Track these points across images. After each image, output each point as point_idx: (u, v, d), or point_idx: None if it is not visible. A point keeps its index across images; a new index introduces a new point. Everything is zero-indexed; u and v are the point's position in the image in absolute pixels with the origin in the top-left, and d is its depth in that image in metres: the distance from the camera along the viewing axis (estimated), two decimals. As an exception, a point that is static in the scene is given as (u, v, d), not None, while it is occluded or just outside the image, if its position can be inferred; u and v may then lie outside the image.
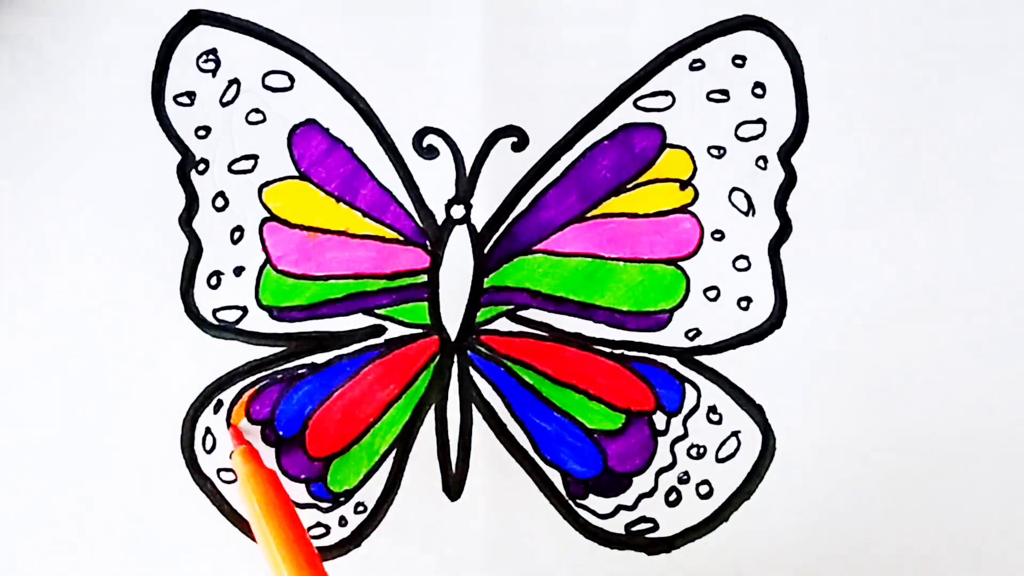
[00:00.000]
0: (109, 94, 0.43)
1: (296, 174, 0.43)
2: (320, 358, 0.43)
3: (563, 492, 0.42)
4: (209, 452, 0.42)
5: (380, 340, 0.43)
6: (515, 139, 0.43)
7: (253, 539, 0.42)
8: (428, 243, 0.43)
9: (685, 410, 0.42)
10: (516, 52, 0.43)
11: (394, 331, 0.43)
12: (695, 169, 0.43)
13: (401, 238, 0.43)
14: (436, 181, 0.43)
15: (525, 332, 0.43)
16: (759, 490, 0.42)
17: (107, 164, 0.43)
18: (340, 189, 0.43)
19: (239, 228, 0.43)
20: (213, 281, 0.43)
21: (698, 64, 0.43)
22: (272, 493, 0.38)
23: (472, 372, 0.43)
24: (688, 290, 0.42)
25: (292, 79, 0.43)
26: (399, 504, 0.42)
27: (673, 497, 0.42)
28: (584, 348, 0.42)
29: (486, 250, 0.43)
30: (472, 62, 0.43)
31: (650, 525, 0.42)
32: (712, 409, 0.42)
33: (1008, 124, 0.42)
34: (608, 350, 0.42)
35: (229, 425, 0.42)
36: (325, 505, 0.42)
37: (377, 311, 0.43)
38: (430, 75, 0.43)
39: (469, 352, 0.43)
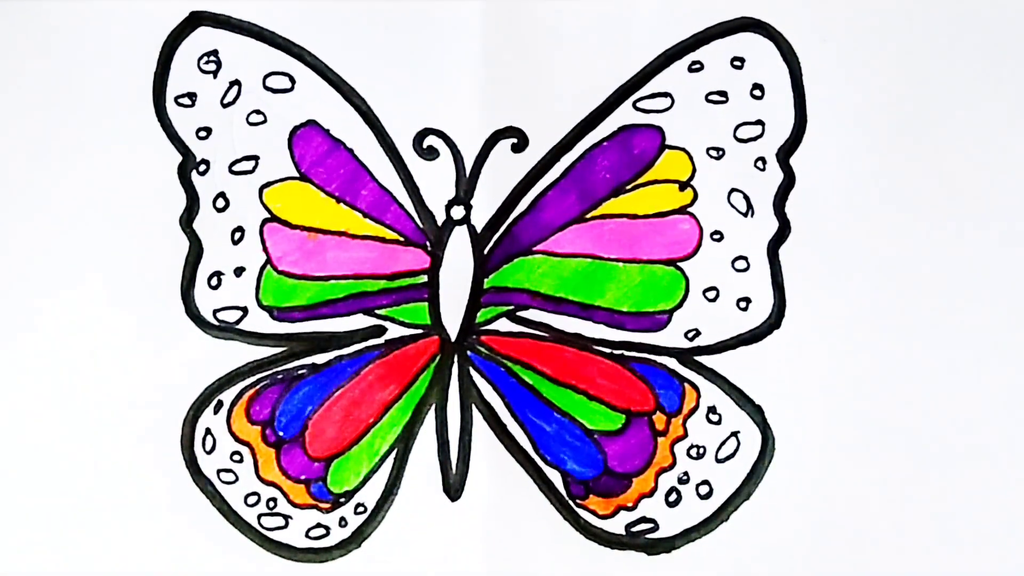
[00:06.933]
0: (110, 95, 0.43)
1: (297, 175, 0.43)
2: (320, 358, 0.43)
3: (563, 492, 0.42)
4: (209, 452, 0.42)
5: (380, 340, 0.43)
6: (515, 140, 0.43)
7: (253, 539, 0.42)
8: (428, 244, 0.43)
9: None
10: (516, 52, 0.43)
11: (394, 331, 0.43)
12: (694, 170, 0.43)
13: (401, 239, 0.43)
14: (436, 182, 0.43)
15: (525, 332, 0.43)
16: (759, 490, 0.42)
17: (108, 165, 0.43)
18: (340, 190, 0.43)
19: (240, 229, 0.43)
20: (214, 281, 0.43)
21: (697, 66, 0.43)
22: None
23: (472, 372, 0.43)
24: (687, 291, 0.42)
25: (293, 80, 0.43)
26: (399, 504, 0.42)
27: (673, 497, 0.42)
28: (584, 348, 0.43)
29: (486, 251, 0.43)
30: (472, 62, 0.43)
31: (650, 525, 0.42)
32: (712, 409, 0.42)
33: (1007, 125, 0.42)
34: (608, 350, 0.42)
35: None
36: (325, 506, 0.42)
37: (377, 311, 0.43)
38: (430, 75, 0.43)
39: (469, 352, 0.43)
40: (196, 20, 0.44)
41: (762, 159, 0.43)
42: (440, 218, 0.43)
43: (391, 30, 0.43)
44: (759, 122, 0.43)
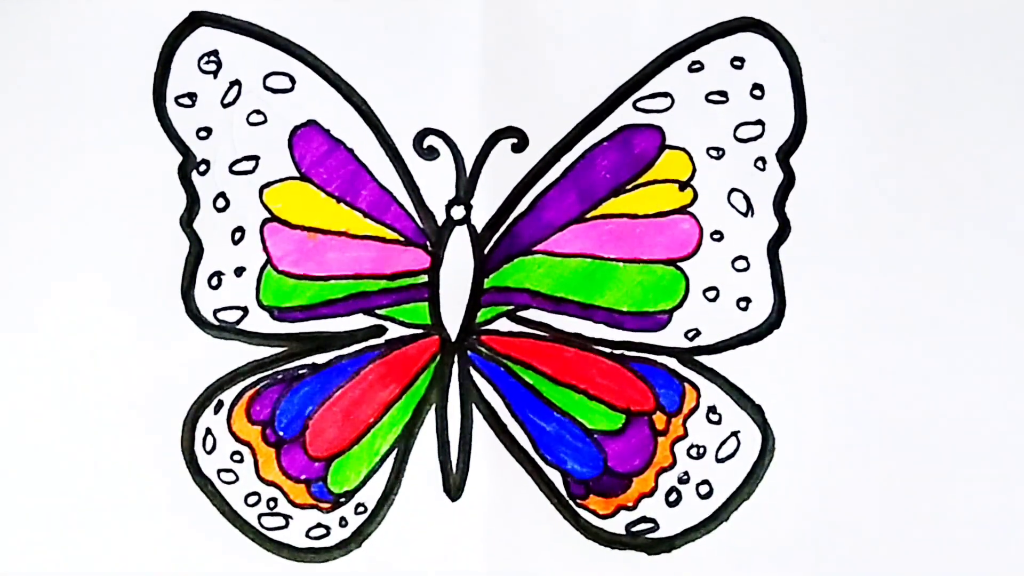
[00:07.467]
0: (111, 95, 0.43)
1: (297, 175, 0.43)
2: (321, 358, 0.43)
3: (563, 492, 0.42)
4: (209, 452, 0.42)
5: (380, 340, 0.43)
6: (515, 140, 0.43)
7: (254, 539, 0.42)
8: (428, 243, 0.43)
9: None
10: (516, 52, 0.43)
11: (394, 331, 0.43)
12: (694, 170, 0.43)
13: (401, 239, 0.43)
14: (436, 182, 0.43)
15: (525, 332, 0.43)
16: (759, 490, 0.42)
17: (109, 165, 0.43)
18: (341, 190, 0.43)
19: (240, 229, 0.43)
20: (214, 281, 0.43)
21: (697, 66, 0.43)
22: None
23: (472, 372, 0.43)
24: (687, 290, 0.42)
25: (293, 80, 0.43)
26: (399, 504, 0.42)
27: (673, 497, 0.42)
28: (584, 348, 0.43)
29: (486, 250, 0.43)
30: (472, 62, 0.43)
31: (650, 525, 0.42)
32: (712, 409, 0.42)
33: (1006, 125, 0.42)
34: (608, 350, 0.42)
35: None
36: (325, 506, 0.42)
37: (377, 311, 0.43)
38: (430, 75, 0.43)
39: (469, 352, 0.43)
40: (196, 20, 0.44)
41: (762, 159, 0.43)
42: (440, 218, 0.43)
43: (391, 30, 0.43)
44: (759, 122, 0.43)
